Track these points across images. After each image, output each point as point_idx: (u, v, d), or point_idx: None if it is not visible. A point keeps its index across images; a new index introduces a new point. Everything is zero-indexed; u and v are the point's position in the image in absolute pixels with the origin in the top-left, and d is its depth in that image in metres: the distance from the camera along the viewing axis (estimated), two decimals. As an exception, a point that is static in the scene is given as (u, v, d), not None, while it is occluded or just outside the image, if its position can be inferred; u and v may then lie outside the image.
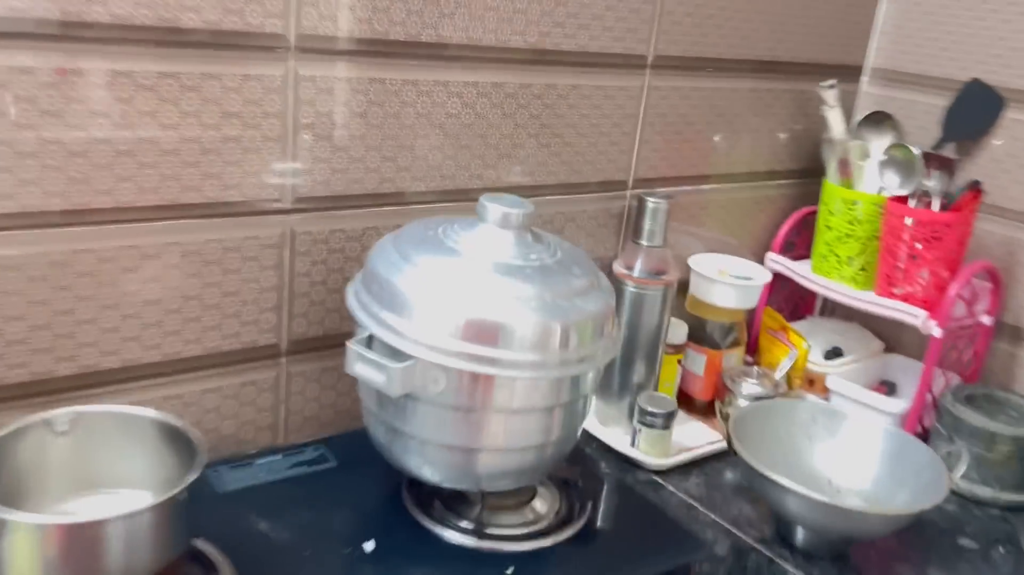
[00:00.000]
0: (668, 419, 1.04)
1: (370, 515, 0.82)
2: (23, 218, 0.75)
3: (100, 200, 0.77)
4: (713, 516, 0.96)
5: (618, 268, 1.09)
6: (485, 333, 0.71)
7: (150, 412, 0.73)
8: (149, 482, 0.72)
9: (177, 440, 0.71)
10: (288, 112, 0.85)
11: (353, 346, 0.73)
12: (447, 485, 0.79)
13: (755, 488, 0.92)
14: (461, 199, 0.99)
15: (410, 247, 0.76)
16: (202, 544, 0.73)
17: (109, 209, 0.78)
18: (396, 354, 0.72)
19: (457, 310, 0.71)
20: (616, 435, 1.07)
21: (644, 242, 1.07)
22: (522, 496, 0.85)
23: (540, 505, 0.87)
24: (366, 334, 0.74)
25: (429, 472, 0.78)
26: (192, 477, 0.66)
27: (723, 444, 1.05)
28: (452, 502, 0.83)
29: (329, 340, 0.94)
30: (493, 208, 0.77)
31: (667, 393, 1.15)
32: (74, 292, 0.79)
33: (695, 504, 0.98)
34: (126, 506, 0.62)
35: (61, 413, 0.71)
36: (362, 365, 0.72)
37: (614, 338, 0.79)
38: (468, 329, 0.71)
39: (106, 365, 0.82)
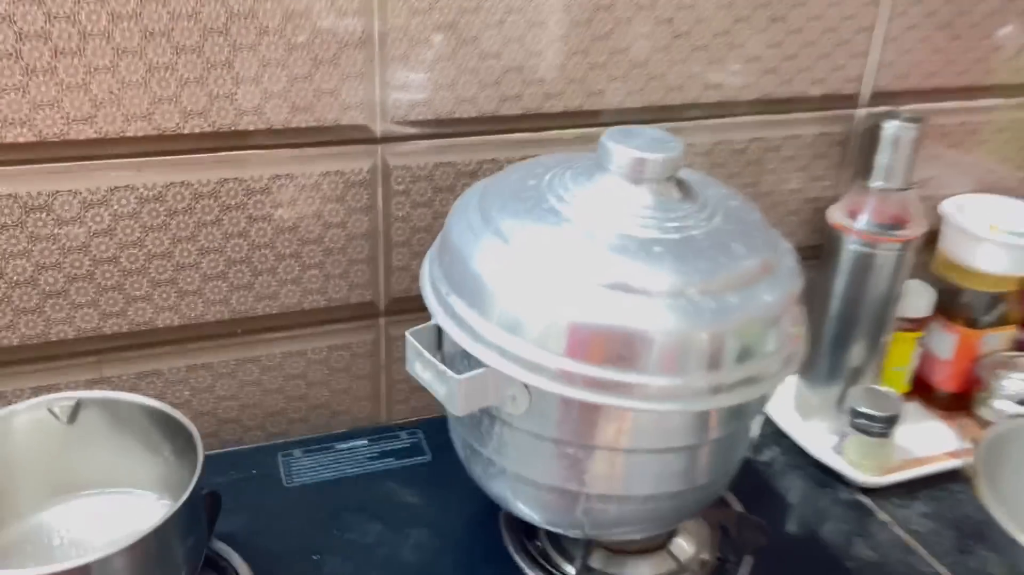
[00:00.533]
0: (889, 424, 0.76)
1: (452, 539, 0.64)
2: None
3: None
4: (940, 568, 0.68)
5: (836, 217, 0.80)
6: (591, 343, 0.48)
7: (139, 399, 0.58)
8: (150, 480, 0.59)
9: (180, 434, 0.56)
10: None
11: (412, 338, 0.53)
12: (542, 526, 0.59)
13: (1004, 556, 0.63)
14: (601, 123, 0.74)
15: (497, 206, 0.54)
16: (225, 550, 0.59)
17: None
18: (466, 358, 0.51)
19: (552, 307, 0.49)
20: (817, 434, 0.81)
21: (877, 182, 0.78)
22: (656, 535, 0.63)
23: (684, 545, 0.64)
24: (433, 323, 0.54)
25: (516, 506, 0.57)
26: (183, 499, 0.51)
27: (966, 461, 0.76)
28: (560, 536, 0.62)
29: (439, 299, 0.76)
30: (619, 152, 0.52)
31: (896, 381, 0.86)
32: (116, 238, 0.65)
33: (915, 546, 0.71)
34: (99, 550, 0.47)
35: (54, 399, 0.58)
36: (421, 367, 0.53)
37: (795, 347, 0.53)
38: (567, 336, 0.48)
39: (163, 322, 0.69)
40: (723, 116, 0.78)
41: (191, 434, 0.55)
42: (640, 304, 0.48)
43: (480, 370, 0.50)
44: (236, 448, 0.72)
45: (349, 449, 0.72)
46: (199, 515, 0.55)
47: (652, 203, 0.52)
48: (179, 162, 0.65)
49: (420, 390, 0.80)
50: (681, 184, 0.54)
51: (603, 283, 0.48)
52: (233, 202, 0.67)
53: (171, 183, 0.65)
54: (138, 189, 0.64)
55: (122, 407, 0.58)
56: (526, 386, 0.49)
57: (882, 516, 0.75)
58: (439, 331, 0.54)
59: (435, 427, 0.75)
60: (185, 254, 0.67)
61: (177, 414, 0.56)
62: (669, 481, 0.53)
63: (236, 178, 0.66)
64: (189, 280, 0.68)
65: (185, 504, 0.50)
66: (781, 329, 0.51)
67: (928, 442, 0.83)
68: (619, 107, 0.74)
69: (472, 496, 0.67)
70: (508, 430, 0.53)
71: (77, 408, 0.58)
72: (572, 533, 0.58)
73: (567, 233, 0.51)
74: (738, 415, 0.53)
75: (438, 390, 0.52)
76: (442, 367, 0.51)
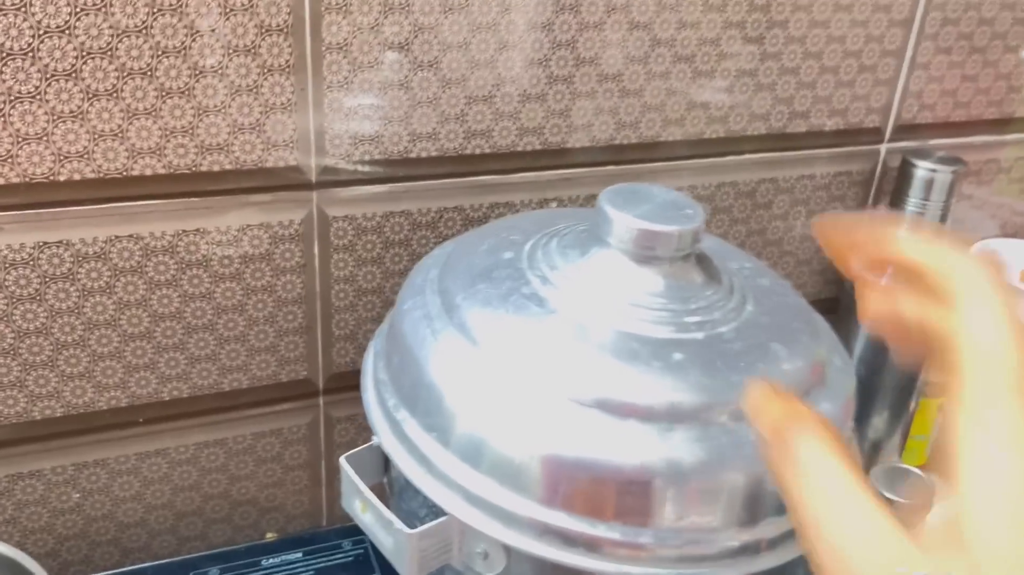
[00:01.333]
0: (916, 515, 0.64)
1: None
2: None
3: None
4: None
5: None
6: (586, 490, 0.35)
7: None
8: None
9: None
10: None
11: (347, 466, 0.40)
12: None
13: None
14: (606, 162, 0.62)
15: (462, 288, 0.41)
16: None
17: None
18: (417, 497, 0.38)
19: (533, 438, 0.36)
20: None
21: (905, 232, 0.66)
22: None
23: None
24: (376, 442, 0.41)
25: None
26: None
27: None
28: None
29: (391, 373, 0.62)
30: (621, 222, 0.39)
31: (918, 450, 0.75)
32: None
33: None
34: None
35: None
36: (361, 506, 0.39)
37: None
38: (550, 476, 0.35)
39: (39, 414, 0.55)
40: (727, 154, 0.66)
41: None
42: (653, 434, 0.35)
43: (440, 519, 0.37)
44: (138, 566, 0.58)
45: (279, 566, 0.58)
46: None
47: (665, 289, 0.39)
48: (56, 216, 0.51)
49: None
50: (702, 262, 0.42)
51: (600, 403, 0.35)
52: (127, 264, 0.53)
53: (43, 243, 0.51)
54: (0, 250, 0.50)
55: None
56: (502, 545, 0.36)
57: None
58: (383, 458, 0.41)
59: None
60: (67, 329, 0.53)
61: (23, 558, 0.42)
62: None
63: (131, 235, 0.53)
64: (74, 362, 0.54)
65: None
66: None
67: (956, 525, 0.71)
68: (608, 143, 0.62)
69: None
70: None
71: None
72: None
73: (553, 328, 0.38)
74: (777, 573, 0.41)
75: (383, 542, 0.38)
76: (387, 514, 0.37)
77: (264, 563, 0.58)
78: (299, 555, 0.59)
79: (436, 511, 0.37)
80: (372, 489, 0.42)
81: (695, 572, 0.35)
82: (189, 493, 0.61)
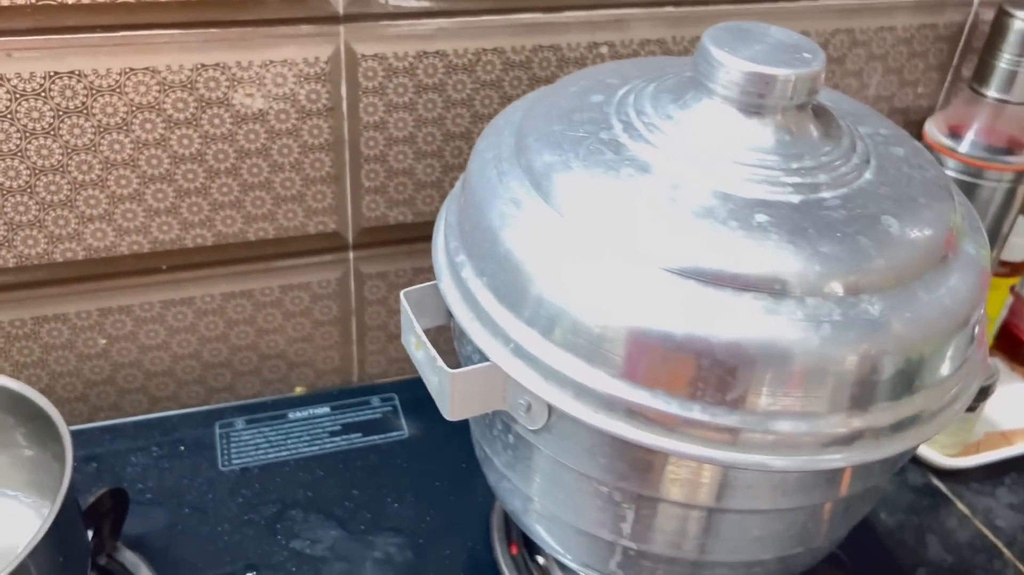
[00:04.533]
0: (982, 396, 0.60)
1: (431, 551, 0.49)
2: None
3: None
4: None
5: (934, 134, 0.63)
6: (655, 358, 0.31)
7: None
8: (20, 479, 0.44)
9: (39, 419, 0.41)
10: None
11: (407, 302, 0.38)
12: (565, 562, 0.44)
13: None
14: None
15: (537, 125, 0.37)
16: (133, 561, 0.45)
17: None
18: (467, 343, 0.36)
19: (607, 302, 0.32)
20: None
21: (993, 92, 0.60)
22: None
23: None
24: (435, 283, 0.38)
25: (534, 532, 0.42)
26: (45, 527, 0.36)
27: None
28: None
29: (425, 228, 0.59)
30: (729, 64, 0.34)
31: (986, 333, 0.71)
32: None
33: (1001, 548, 0.57)
34: None
35: None
36: (415, 343, 0.37)
37: (974, 365, 0.37)
38: (617, 342, 0.32)
39: (61, 255, 0.53)
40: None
41: (58, 430, 0.40)
42: (741, 305, 0.31)
43: (483, 364, 0.34)
44: (166, 413, 0.58)
45: (306, 419, 0.57)
46: (71, 536, 0.40)
47: (765, 144, 0.34)
48: (67, 43, 0.47)
49: (397, 339, 0.66)
50: (820, 116, 0.37)
51: (684, 268, 0.31)
52: (143, 100, 0.50)
53: (55, 72, 0.48)
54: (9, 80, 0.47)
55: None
56: (546, 403, 0.34)
57: (961, 507, 0.61)
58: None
59: (416, 390, 0.59)
60: (84, 168, 0.51)
61: (35, 396, 0.41)
62: (764, 546, 0.37)
63: (147, 67, 0.49)
64: (93, 203, 0.52)
65: (45, 537, 0.36)
66: (959, 344, 0.34)
67: (1016, 411, 0.68)
68: (666, -18, 0.55)
69: (460, 490, 0.53)
70: (523, 445, 0.37)
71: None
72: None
73: (624, 181, 0.34)
74: (885, 465, 0.37)
75: (430, 380, 0.36)
76: (433, 351, 0.35)
77: (291, 416, 0.57)
78: (326, 410, 0.58)
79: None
80: (438, 330, 0.39)
81: (786, 463, 0.32)
82: (216, 344, 0.60)
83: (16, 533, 0.44)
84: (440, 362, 0.35)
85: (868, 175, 0.35)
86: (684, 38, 0.58)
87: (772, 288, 0.31)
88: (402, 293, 0.39)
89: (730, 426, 0.31)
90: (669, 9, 0.56)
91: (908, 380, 0.33)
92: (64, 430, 0.39)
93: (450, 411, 0.35)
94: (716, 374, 0.31)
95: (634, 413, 0.32)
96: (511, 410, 0.36)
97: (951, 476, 0.63)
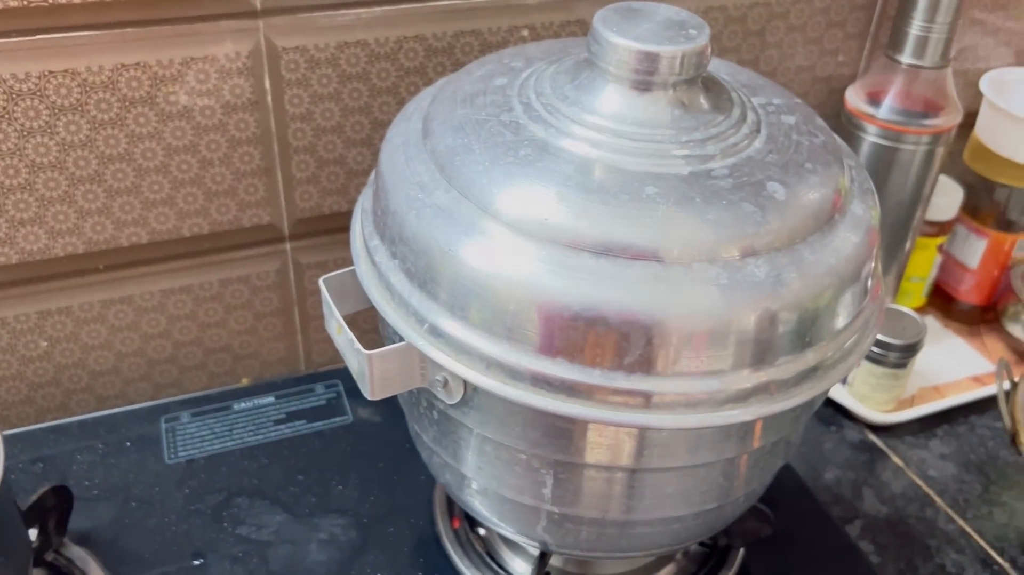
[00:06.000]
0: (909, 353, 0.63)
1: (375, 530, 0.51)
2: None
3: None
4: (960, 521, 0.58)
5: (854, 101, 0.64)
6: (560, 332, 0.33)
7: None
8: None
9: None
10: None
11: (324, 288, 0.39)
12: (496, 530, 0.45)
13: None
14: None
15: (442, 110, 0.38)
16: (80, 556, 0.46)
17: None
18: (387, 326, 0.37)
19: (519, 279, 0.33)
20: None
21: (906, 58, 0.62)
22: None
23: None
24: (350, 269, 0.40)
25: (465, 502, 0.44)
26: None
27: (995, 388, 0.63)
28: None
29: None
30: (617, 45, 0.35)
31: (913, 294, 0.74)
32: None
33: (933, 496, 0.60)
34: None
35: None
36: (335, 325, 0.38)
37: (871, 312, 0.39)
38: (526, 318, 0.33)
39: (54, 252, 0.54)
40: (714, -28, 0.60)
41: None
42: (631, 274, 0.32)
43: (399, 344, 0.35)
44: (111, 411, 0.58)
45: (251, 410, 0.58)
46: (8, 535, 0.41)
47: (666, 119, 0.36)
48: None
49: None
50: (710, 90, 0.38)
51: (577, 242, 0.33)
52: (65, 103, 0.50)
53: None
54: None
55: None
56: (458, 377, 0.35)
57: (895, 460, 0.63)
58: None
59: (357, 376, 0.61)
60: (11, 172, 0.51)
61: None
62: (682, 503, 0.39)
63: (66, 70, 0.49)
64: (23, 206, 0.52)
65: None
66: (850, 299, 0.36)
67: (948, 366, 0.71)
68: (581, -37, 0.57)
69: (403, 471, 0.54)
70: (445, 419, 0.39)
71: None
72: (534, 547, 0.45)
73: (523, 161, 0.35)
74: (793, 416, 0.39)
75: (351, 362, 0.37)
76: (350, 335, 0.36)
77: (235, 407, 0.58)
78: (271, 399, 0.59)
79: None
80: (366, 314, 0.41)
81: (692, 419, 0.33)
82: (160, 340, 0.60)
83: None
84: (357, 344, 0.36)
85: (757, 144, 0.37)
86: (603, 17, 0.59)
87: (659, 256, 0.32)
88: (321, 280, 0.40)
89: (630, 389, 0.33)
90: (585, -11, 0.58)
91: (802, 334, 0.34)
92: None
93: (371, 391, 0.37)
94: (612, 340, 0.32)
95: (543, 382, 0.34)
96: (430, 387, 0.37)
97: (886, 431, 0.65)
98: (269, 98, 0.54)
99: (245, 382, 0.63)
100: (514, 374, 0.34)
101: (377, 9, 0.54)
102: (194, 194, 0.56)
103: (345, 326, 0.38)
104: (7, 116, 0.49)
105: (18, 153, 0.51)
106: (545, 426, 0.36)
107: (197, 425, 0.57)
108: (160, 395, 0.63)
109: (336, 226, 0.61)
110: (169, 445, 0.55)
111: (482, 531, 0.51)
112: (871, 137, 0.64)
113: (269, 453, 0.55)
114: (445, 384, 0.36)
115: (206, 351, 0.62)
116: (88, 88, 0.50)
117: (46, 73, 0.49)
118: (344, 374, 0.60)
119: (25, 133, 0.50)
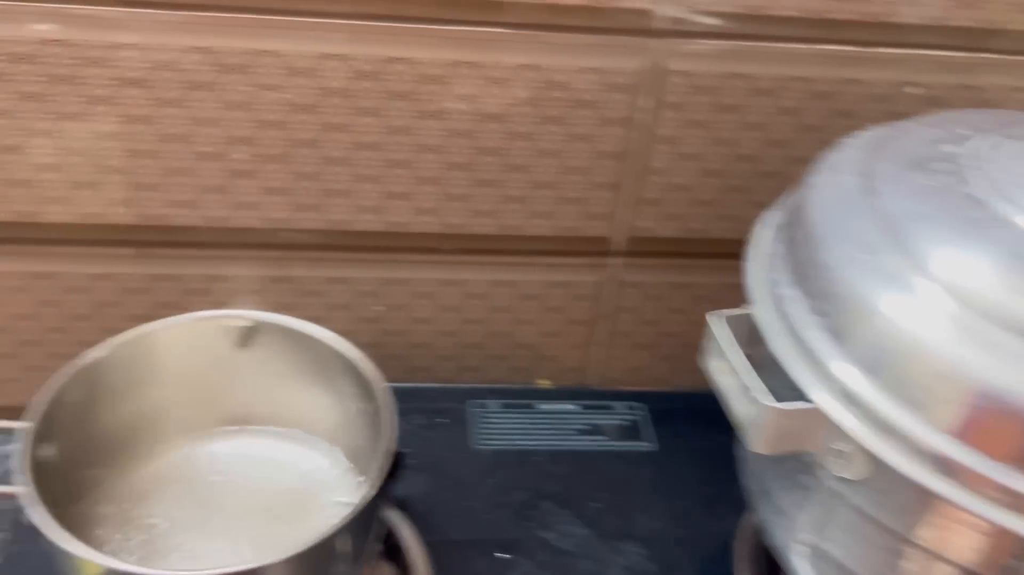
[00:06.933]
0: None
1: (668, 566, 0.50)
2: None
3: None
4: None
5: None
6: (1014, 432, 0.31)
7: (326, 335, 0.47)
8: (323, 424, 0.48)
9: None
10: None
11: (715, 323, 0.38)
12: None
13: None
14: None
15: (885, 169, 0.37)
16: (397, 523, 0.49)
17: None
18: (777, 376, 0.36)
19: (945, 356, 0.31)
20: None
21: None
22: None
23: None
24: (748, 311, 0.39)
25: (796, 563, 0.42)
26: (370, 492, 0.39)
27: None
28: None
29: (691, 245, 0.60)
30: None
31: None
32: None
33: None
34: (266, 557, 0.37)
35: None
36: (719, 365, 0.38)
37: None
38: (969, 404, 0.31)
39: (362, 225, 0.57)
40: None
41: (376, 392, 0.44)
42: None
43: (806, 405, 0.34)
44: (421, 384, 0.61)
45: (554, 413, 0.59)
46: (380, 509, 0.44)
47: None
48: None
49: (643, 349, 0.66)
50: None
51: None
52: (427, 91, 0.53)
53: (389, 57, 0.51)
54: (353, 59, 0.51)
55: (303, 339, 0.48)
56: (871, 456, 0.33)
57: None
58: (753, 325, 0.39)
59: (665, 403, 0.60)
60: (395, 147, 0.55)
61: (368, 364, 0.45)
62: None
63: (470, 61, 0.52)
64: (398, 180, 0.56)
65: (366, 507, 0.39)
66: None
67: None
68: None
69: (702, 512, 0.53)
70: (819, 487, 0.37)
71: (252, 332, 0.48)
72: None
73: (994, 240, 0.33)
74: None
75: (736, 408, 0.37)
76: (754, 378, 0.35)
77: (539, 407, 0.59)
78: (572, 407, 0.60)
79: (798, 396, 0.34)
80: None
81: None
82: (475, 326, 0.63)
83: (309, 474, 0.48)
84: (760, 394, 0.35)
85: None
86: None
87: None
88: (716, 315, 0.39)
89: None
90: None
91: None
92: (390, 411, 0.43)
93: (763, 445, 0.36)
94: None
95: (974, 482, 0.31)
96: (822, 454, 0.35)
97: None
98: (643, 116, 0.55)
99: (544, 383, 0.64)
100: (943, 465, 0.32)
101: (763, 44, 0.53)
102: (548, 196, 0.57)
103: (742, 366, 0.37)
104: (376, 112, 0.53)
105: (406, 131, 0.54)
106: (957, 526, 0.33)
107: (502, 417, 0.58)
108: (461, 377, 0.65)
109: (666, 250, 0.60)
110: (476, 431, 0.57)
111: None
112: None
113: (572, 462, 0.55)
114: (845, 456, 0.35)
115: (514, 345, 0.64)
116: (494, 84, 0.52)
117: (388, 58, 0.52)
118: (650, 398, 0.60)
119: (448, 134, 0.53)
